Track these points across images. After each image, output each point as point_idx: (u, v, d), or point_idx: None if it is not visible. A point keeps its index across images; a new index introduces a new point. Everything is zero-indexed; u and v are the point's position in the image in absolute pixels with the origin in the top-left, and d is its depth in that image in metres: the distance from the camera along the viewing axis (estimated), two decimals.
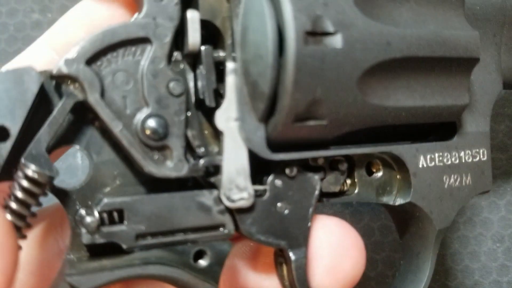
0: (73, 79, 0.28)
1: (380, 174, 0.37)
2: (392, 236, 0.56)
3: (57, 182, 0.29)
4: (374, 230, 0.56)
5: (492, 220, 0.58)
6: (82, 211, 0.29)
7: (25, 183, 0.27)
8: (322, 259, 0.35)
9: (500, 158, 0.59)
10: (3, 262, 0.24)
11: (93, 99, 0.29)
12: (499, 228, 0.58)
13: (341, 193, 0.36)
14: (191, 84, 0.32)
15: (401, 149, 0.36)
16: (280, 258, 0.35)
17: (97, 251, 0.30)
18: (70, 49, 0.31)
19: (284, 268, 0.35)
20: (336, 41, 0.30)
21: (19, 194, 0.27)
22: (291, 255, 0.34)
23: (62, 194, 0.30)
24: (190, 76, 0.32)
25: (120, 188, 0.31)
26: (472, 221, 0.58)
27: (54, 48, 0.33)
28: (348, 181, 0.36)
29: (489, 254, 0.58)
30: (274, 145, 0.32)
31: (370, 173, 0.37)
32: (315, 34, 0.29)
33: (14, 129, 0.27)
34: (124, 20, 0.31)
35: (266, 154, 0.32)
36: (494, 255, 0.58)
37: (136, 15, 0.31)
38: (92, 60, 0.29)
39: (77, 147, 0.30)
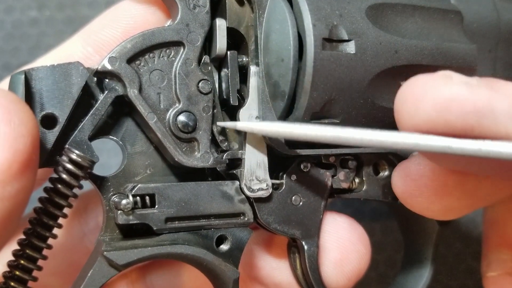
0: (115, 75, 0.32)
1: (386, 173, 0.40)
2: (394, 236, 0.58)
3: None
4: (376, 230, 0.58)
5: None
6: (118, 195, 0.32)
7: (69, 166, 0.30)
8: (331, 252, 0.38)
9: None
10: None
11: (132, 93, 0.32)
12: None
13: (350, 190, 0.39)
14: (216, 85, 0.35)
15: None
16: (293, 248, 0.38)
17: (128, 234, 0.33)
18: (105, 46, 0.35)
19: (297, 257, 0.38)
20: (350, 47, 0.33)
21: (64, 176, 0.30)
22: (304, 245, 0.37)
23: (99, 180, 0.33)
24: (215, 78, 0.36)
25: (150, 177, 0.34)
26: (474, 221, 0.60)
27: (91, 45, 0.35)
28: (357, 180, 0.39)
29: None
30: (291, 142, 0.35)
31: (377, 172, 0.40)
32: (331, 40, 0.33)
33: (62, 117, 0.31)
34: (158, 24, 0.34)
35: (284, 149, 0.35)
36: None
37: (169, 21, 0.34)
38: (132, 59, 0.32)
39: (113, 138, 0.33)
